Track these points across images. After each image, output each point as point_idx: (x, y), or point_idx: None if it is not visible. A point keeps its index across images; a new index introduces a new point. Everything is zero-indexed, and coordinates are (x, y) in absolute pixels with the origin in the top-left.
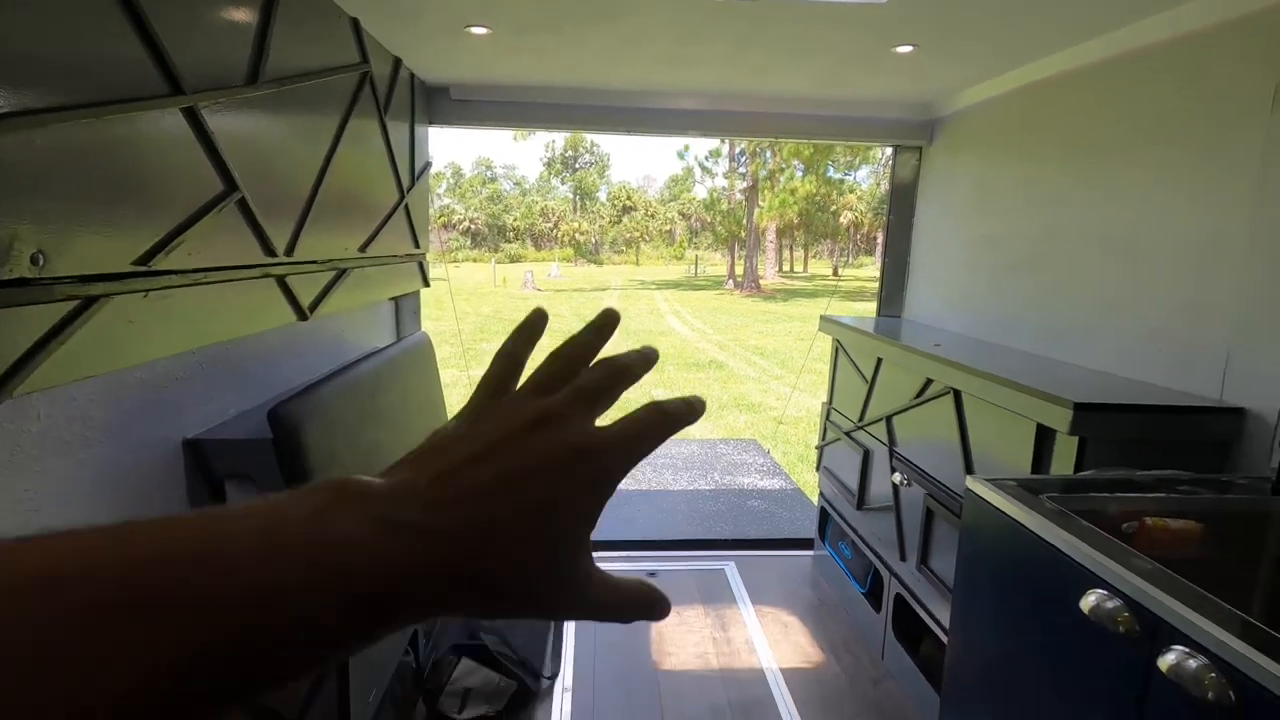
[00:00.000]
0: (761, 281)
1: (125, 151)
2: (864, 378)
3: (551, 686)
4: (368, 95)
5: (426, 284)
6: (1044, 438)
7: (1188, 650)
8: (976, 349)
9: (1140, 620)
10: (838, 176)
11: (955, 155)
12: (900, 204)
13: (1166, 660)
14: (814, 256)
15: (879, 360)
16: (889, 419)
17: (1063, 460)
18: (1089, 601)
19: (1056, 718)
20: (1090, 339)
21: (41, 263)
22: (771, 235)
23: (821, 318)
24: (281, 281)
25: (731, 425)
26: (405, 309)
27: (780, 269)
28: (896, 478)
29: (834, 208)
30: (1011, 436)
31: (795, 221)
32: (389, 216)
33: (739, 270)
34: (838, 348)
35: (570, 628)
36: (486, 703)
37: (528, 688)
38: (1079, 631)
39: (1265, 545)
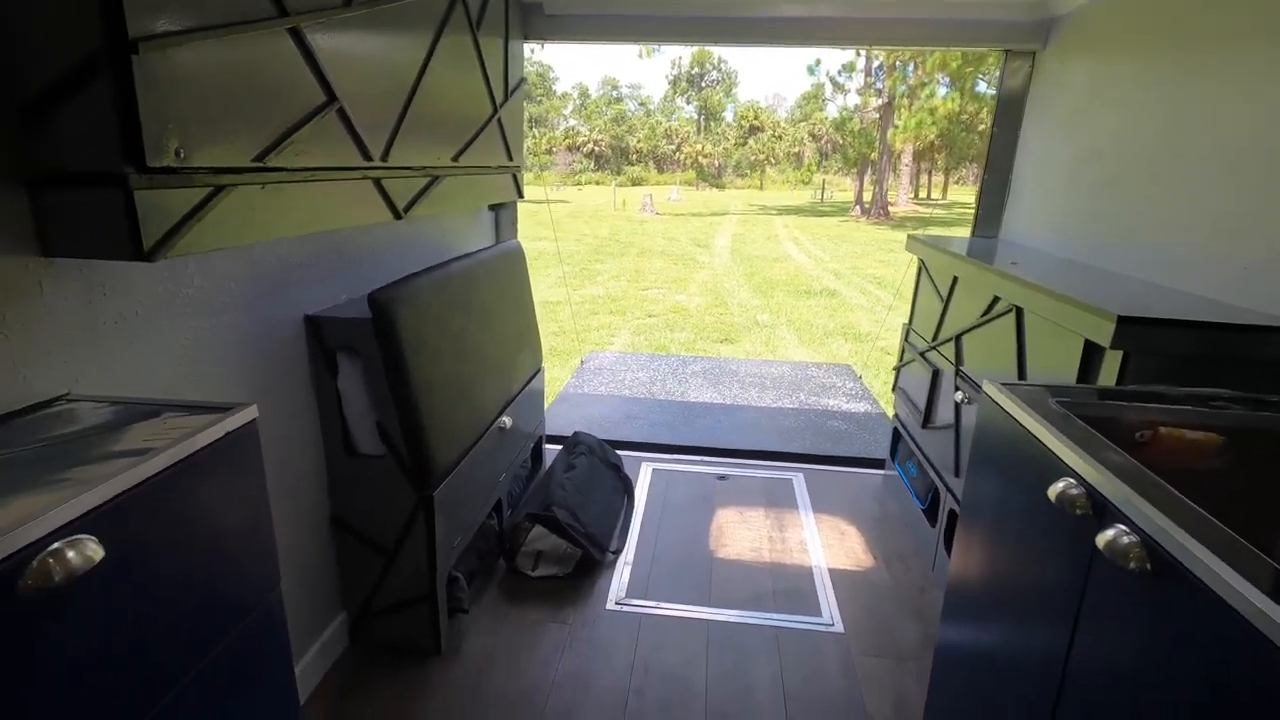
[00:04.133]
0: (892, 209)
1: (242, 66)
2: (940, 297)
3: (615, 560)
4: (460, 13)
5: (520, 196)
6: (1091, 353)
7: (1125, 528)
8: (1063, 270)
9: (1093, 504)
10: (989, 92)
11: (1068, 59)
12: (1006, 116)
13: (1105, 537)
14: (956, 182)
15: (954, 279)
16: (958, 338)
17: (1109, 376)
18: (1057, 488)
19: (1026, 603)
20: (1186, 262)
21: (182, 155)
22: (907, 158)
23: (909, 237)
24: (378, 184)
25: (835, 353)
26: (504, 219)
27: (916, 195)
28: (958, 396)
29: (982, 127)
30: (1062, 352)
31: (935, 143)
32: (481, 130)
33: (867, 196)
34: (921, 268)
35: (639, 513)
36: (556, 565)
37: (592, 558)
38: (1048, 517)
39: None
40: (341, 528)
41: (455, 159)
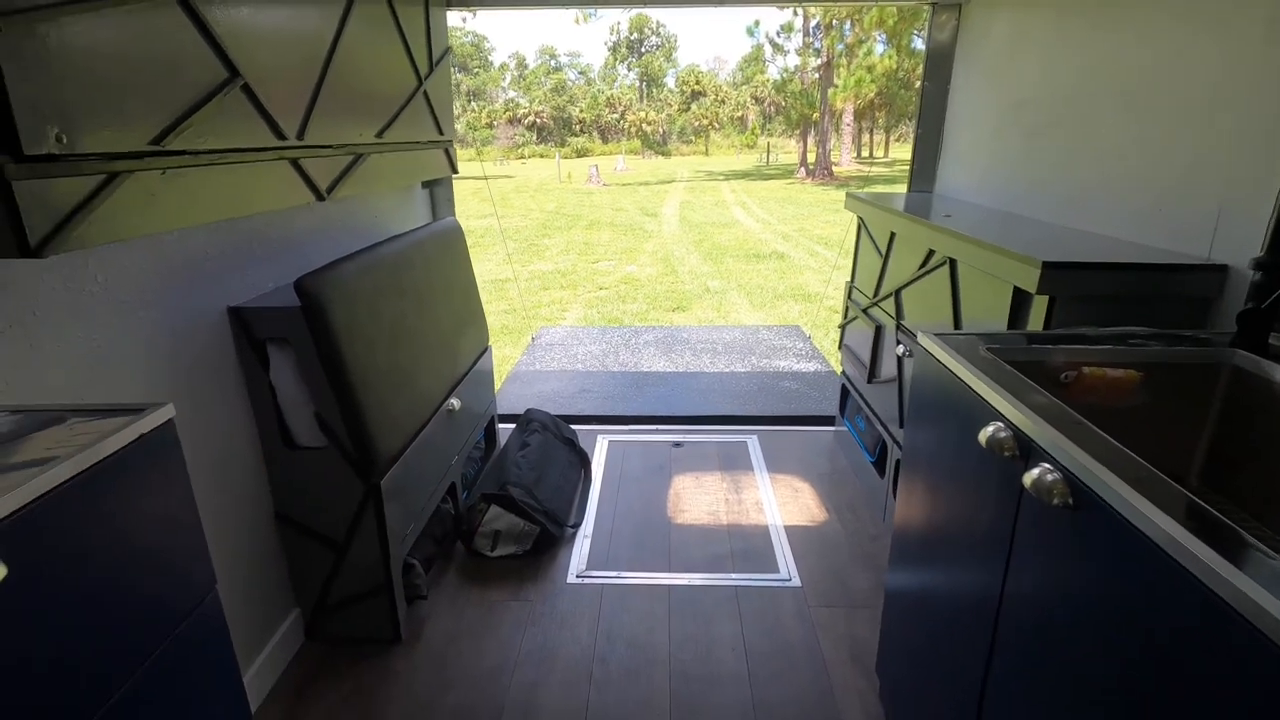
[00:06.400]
0: (835, 168)
1: (129, 43)
2: (880, 254)
3: (574, 534)
4: None
5: (454, 170)
6: (1020, 300)
7: (1049, 466)
8: (993, 220)
9: (1019, 445)
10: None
11: (992, 11)
12: (936, 71)
13: (1030, 475)
14: (897, 139)
15: (892, 235)
16: (898, 293)
17: (1037, 321)
18: (986, 432)
19: (964, 544)
20: (1103, 204)
21: (65, 141)
22: (848, 117)
23: (848, 195)
24: (296, 164)
25: (785, 315)
26: (440, 196)
27: (859, 154)
28: (900, 349)
29: (919, 84)
30: (994, 301)
31: (875, 101)
32: (406, 104)
33: (811, 157)
34: (860, 225)
35: (596, 486)
36: (515, 543)
37: (551, 533)
38: (980, 460)
39: (1208, 395)
40: (287, 523)
41: (380, 135)
